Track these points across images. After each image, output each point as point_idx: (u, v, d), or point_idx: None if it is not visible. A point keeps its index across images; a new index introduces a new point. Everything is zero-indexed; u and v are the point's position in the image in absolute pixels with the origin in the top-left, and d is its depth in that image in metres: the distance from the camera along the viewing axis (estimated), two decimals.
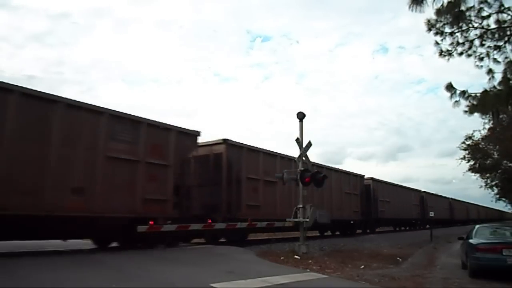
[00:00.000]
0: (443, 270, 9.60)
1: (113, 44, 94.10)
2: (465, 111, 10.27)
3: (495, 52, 9.53)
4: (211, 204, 12.17)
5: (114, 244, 10.91)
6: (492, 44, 9.48)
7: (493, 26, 9.16)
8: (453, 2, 8.67)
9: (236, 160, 13.07)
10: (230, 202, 12.78)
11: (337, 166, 20.04)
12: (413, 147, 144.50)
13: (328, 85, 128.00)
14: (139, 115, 10.21)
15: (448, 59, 9.84)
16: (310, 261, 9.62)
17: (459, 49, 9.70)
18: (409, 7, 8.17)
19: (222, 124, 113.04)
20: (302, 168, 11.67)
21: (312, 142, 12.00)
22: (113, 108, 9.68)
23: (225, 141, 12.85)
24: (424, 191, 33.39)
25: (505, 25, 9.04)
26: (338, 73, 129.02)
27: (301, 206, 11.40)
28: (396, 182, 28.10)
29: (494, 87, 9.81)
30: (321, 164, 18.22)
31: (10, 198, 7.49)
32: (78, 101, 9.00)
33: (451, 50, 9.76)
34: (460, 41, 9.60)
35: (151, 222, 10.11)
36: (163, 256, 9.24)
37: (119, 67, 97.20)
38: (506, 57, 9.44)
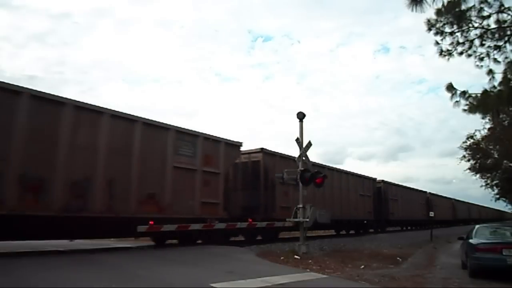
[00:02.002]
0: (443, 270, 9.59)
1: (114, 44, 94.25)
2: (464, 110, 10.28)
3: (495, 52, 9.54)
4: (251, 206, 13.72)
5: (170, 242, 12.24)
6: (492, 44, 9.49)
7: (493, 26, 9.17)
8: (453, 1, 8.67)
9: (271, 167, 14.50)
10: (266, 204, 14.40)
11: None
12: (413, 147, 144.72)
13: (329, 85, 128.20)
14: (197, 130, 11.94)
15: (448, 59, 9.85)
16: (310, 261, 9.62)
17: (459, 49, 9.71)
18: (409, 7, 8.17)
19: (222, 124, 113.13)
20: (302, 168, 11.67)
21: (312, 142, 12.04)
22: (177, 125, 11.37)
23: (262, 149, 14.45)
24: (430, 192, 34.44)
25: (505, 25, 9.04)
26: (339, 73, 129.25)
27: (301, 206, 11.40)
28: (405, 184, 29.71)
29: (494, 87, 9.81)
30: (339, 169, 20.09)
31: (112, 203, 9.33)
32: (151, 120, 10.64)
33: (451, 50, 9.77)
34: (460, 41, 9.61)
35: (151, 222, 10.15)
36: (163, 256, 9.24)
37: (120, 67, 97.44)
38: (506, 57, 9.45)
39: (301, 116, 11.93)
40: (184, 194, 11.21)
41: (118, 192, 9.51)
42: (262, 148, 14.42)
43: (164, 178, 10.68)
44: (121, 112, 9.89)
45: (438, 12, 9.13)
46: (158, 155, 10.59)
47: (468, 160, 29.00)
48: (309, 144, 11.98)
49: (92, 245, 11.13)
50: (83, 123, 9.02)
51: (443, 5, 8.68)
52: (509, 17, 8.93)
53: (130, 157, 9.91)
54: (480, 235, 9.20)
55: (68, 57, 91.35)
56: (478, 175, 30.47)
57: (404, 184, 29.90)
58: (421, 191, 32.88)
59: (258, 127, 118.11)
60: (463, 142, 28.64)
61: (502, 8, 8.83)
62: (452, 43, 9.68)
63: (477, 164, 28.66)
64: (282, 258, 9.96)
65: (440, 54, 9.88)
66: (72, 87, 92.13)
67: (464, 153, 28.85)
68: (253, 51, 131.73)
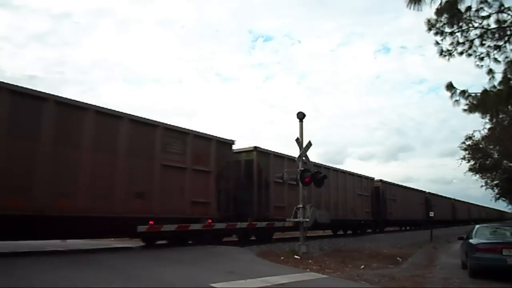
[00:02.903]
0: (443, 270, 9.59)
1: (114, 44, 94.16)
2: (464, 110, 10.28)
3: (495, 51, 9.54)
4: (244, 205, 13.41)
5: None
6: (492, 44, 9.49)
7: (493, 26, 9.17)
8: (451, 1, 8.66)
9: (265, 166, 14.26)
10: (260, 204, 14.03)
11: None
12: (414, 147, 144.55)
13: (330, 85, 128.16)
14: (186, 127, 11.59)
15: (449, 59, 9.85)
16: (310, 261, 9.62)
17: (459, 48, 9.71)
18: (407, 5, 8.17)
19: (223, 124, 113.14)
20: (302, 168, 11.67)
21: (312, 142, 12.03)
22: (165, 122, 11.04)
23: (256, 148, 14.07)
24: (429, 192, 34.10)
25: (505, 25, 9.04)
26: (340, 73, 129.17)
27: (301, 206, 11.40)
28: (403, 184, 29.33)
29: (494, 86, 9.81)
30: (335, 168, 19.71)
31: (92, 202, 8.92)
32: (137, 116, 10.30)
33: (451, 50, 9.77)
34: (460, 40, 9.61)
35: (151, 222, 10.14)
36: (163, 256, 9.23)
37: (121, 67, 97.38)
38: (506, 57, 9.45)
39: (301, 116, 11.93)
40: (173, 193, 10.89)
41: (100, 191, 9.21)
42: (255, 147, 14.12)
43: (153, 177, 10.38)
44: (107, 109, 9.62)
45: (438, 12, 9.13)
46: (145, 153, 10.30)
47: (468, 161, 29.02)
48: (309, 144, 11.98)
49: (92, 245, 11.13)
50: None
51: (441, 4, 8.67)
52: (509, 17, 8.93)
53: (116, 154, 9.60)
54: (480, 235, 9.19)
55: (69, 57, 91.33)
56: (478, 175, 30.52)
57: (403, 184, 29.73)
58: (420, 190, 32.58)
59: (258, 127, 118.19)
60: (462, 143, 28.68)
61: (502, 8, 8.84)
62: (452, 43, 9.68)
63: (477, 164, 28.66)
64: (282, 258, 9.96)
65: (441, 54, 9.88)
66: (73, 87, 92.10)
67: (464, 153, 28.89)
68: (253, 51, 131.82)
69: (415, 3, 8.10)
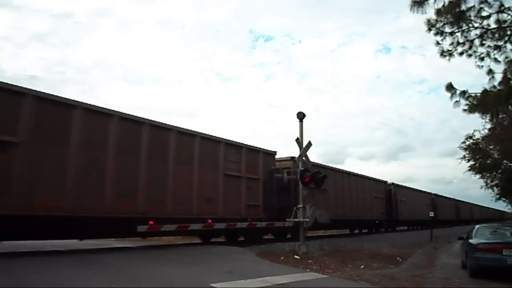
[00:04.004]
0: (443, 270, 9.60)
1: (115, 44, 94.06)
2: (464, 109, 10.28)
3: (495, 52, 9.55)
4: (283, 208, 14.42)
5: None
6: (492, 44, 9.50)
7: (493, 26, 9.18)
8: (454, 2, 8.67)
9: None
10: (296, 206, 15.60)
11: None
12: (414, 147, 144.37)
13: (330, 85, 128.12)
14: (241, 141, 13.72)
15: (449, 59, 9.86)
16: (310, 261, 9.62)
17: (460, 49, 9.72)
18: (411, 9, 8.17)
19: (223, 124, 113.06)
20: (302, 168, 11.68)
21: (313, 142, 12.10)
22: (227, 138, 13.22)
23: (292, 158, 15.55)
24: (435, 194, 35.59)
25: (505, 25, 9.04)
26: (340, 73, 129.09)
27: (301, 206, 11.40)
28: (411, 186, 31.32)
29: (494, 86, 9.81)
30: (355, 173, 21.92)
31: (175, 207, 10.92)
32: (207, 134, 12.35)
33: (451, 50, 9.78)
34: (461, 41, 9.62)
35: (151, 222, 10.16)
36: (163, 256, 9.24)
37: (121, 67, 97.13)
38: (506, 57, 9.45)
39: (301, 116, 11.93)
40: (232, 198, 13.00)
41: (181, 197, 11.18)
42: (292, 157, 15.70)
43: (217, 184, 12.45)
44: (186, 129, 11.75)
45: (438, 12, 9.13)
46: (212, 164, 12.33)
47: (468, 161, 29.03)
48: (309, 144, 11.99)
49: (92, 245, 11.13)
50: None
51: (443, 5, 8.68)
52: (509, 17, 8.94)
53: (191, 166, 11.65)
54: (480, 235, 9.19)
55: (69, 57, 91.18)
56: (478, 176, 30.53)
57: (412, 186, 31.47)
58: (426, 192, 34.23)
59: (258, 127, 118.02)
60: (462, 142, 28.70)
61: (502, 8, 8.84)
62: (452, 43, 9.70)
63: (477, 164, 28.66)
64: (282, 258, 9.96)
65: (441, 54, 9.89)
66: (73, 87, 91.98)
67: (464, 153, 28.91)
68: (254, 51, 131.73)
69: (418, 5, 8.10)
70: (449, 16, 9.08)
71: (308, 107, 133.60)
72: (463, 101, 10.07)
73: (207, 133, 12.40)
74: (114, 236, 12.68)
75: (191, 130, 11.84)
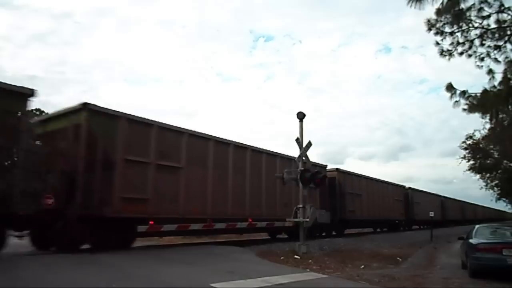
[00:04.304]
0: (443, 270, 9.60)
1: (115, 44, 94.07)
2: (464, 109, 10.27)
3: (495, 51, 9.53)
4: (331, 208, 17.00)
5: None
6: (492, 43, 9.48)
7: (493, 26, 9.17)
8: (453, 0, 8.65)
9: (342, 181, 20.51)
10: (340, 208, 19.72)
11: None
12: (414, 147, 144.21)
13: (330, 85, 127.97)
14: (276, 151, 15.66)
15: (449, 59, 9.85)
16: (310, 261, 9.62)
17: (460, 49, 9.71)
18: (408, 3, 8.13)
19: (223, 124, 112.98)
20: (302, 168, 11.67)
21: (313, 142, 12.14)
22: (269, 149, 15.38)
23: (337, 169, 20.48)
24: (443, 196, 38.85)
25: (505, 24, 9.03)
26: (341, 73, 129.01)
27: (301, 206, 11.40)
28: (424, 189, 34.53)
29: (494, 86, 9.80)
30: (378, 179, 25.17)
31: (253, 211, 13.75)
32: (259, 148, 14.81)
33: (451, 50, 9.77)
34: (460, 41, 9.60)
35: (151, 222, 10.18)
36: (163, 256, 9.24)
37: (121, 67, 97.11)
38: (506, 57, 9.44)
39: (301, 116, 11.93)
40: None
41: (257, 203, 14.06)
42: (337, 168, 20.45)
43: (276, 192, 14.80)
44: (257, 147, 14.53)
45: (438, 12, 9.12)
46: (271, 175, 14.03)
47: (468, 160, 29.02)
48: (309, 144, 11.98)
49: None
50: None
51: (442, 3, 8.66)
52: (509, 17, 8.93)
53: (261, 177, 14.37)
54: (480, 235, 9.19)
55: (69, 57, 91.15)
56: (478, 176, 30.54)
57: (425, 190, 34.71)
58: (436, 195, 37.35)
59: (258, 127, 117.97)
60: (462, 142, 28.69)
61: (502, 8, 8.83)
62: (452, 43, 9.68)
63: (477, 165, 28.65)
64: (282, 258, 9.96)
65: (441, 54, 9.88)
66: (73, 87, 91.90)
67: (464, 153, 28.90)
68: (254, 51, 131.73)
69: (416, 1, 8.07)
70: (448, 15, 9.06)
71: (308, 107, 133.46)
72: (463, 101, 10.06)
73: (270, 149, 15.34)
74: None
75: (260, 148, 14.75)
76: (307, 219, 11.27)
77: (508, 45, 9.29)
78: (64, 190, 8.99)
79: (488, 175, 30.12)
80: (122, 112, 9.90)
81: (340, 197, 20.03)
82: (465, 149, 28.64)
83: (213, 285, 5.93)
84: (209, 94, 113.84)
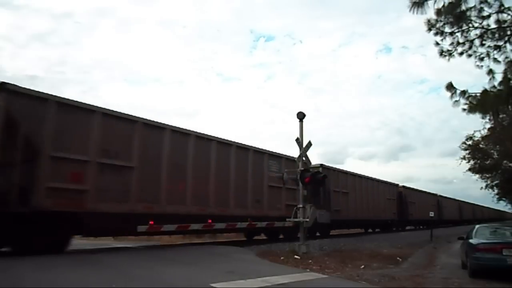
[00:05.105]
0: (443, 270, 9.59)
1: (115, 44, 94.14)
2: (464, 109, 10.28)
3: (495, 52, 9.53)
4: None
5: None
6: (492, 44, 9.48)
7: (493, 26, 9.17)
8: (454, 2, 8.66)
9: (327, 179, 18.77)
10: (325, 206, 17.83)
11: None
12: (415, 147, 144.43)
13: (331, 85, 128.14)
14: (280, 152, 15.83)
15: (449, 59, 9.85)
16: (310, 261, 9.61)
17: (459, 49, 9.71)
18: (410, 9, 8.15)
19: (224, 124, 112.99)
20: (302, 168, 11.67)
21: (313, 142, 12.06)
22: (270, 150, 15.33)
23: (321, 165, 18.49)
24: (440, 195, 37.54)
25: (505, 25, 9.03)
26: (341, 73, 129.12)
27: (301, 206, 11.40)
28: (419, 188, 33.38)
29: (494, 86, 9.81)
30: (372, 177, 23.92)
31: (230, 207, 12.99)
32: (260, 148, 14.83)
33: (451, 50, 9.77)
34: (460, 41, 9.60)
35: (151, 222, 10.16)
36: (163, 256, 9.23)
37: (122, 67, 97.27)
38: (506, 57, 9.44)
39: (301, 116, 11.93)
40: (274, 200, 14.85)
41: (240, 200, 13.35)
42: (321, 164, 18.70)
43: (263, 189, 14.48)
44: (224, 139, 13.24)
45: (438, 12, 9.12)
46: (257, 173, 14.23)
47: (468, 161, 29.03)
48: (309, 144, 11.98)
49: (92, 245, 11.13)
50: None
51: (443, 5, 8.67)
52: (509, 17, 8.93)
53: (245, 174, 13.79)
54: (480, 235, 9.19)
55: (70, 57, 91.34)
56: (478, 176, 30.54)
57: (419, 188, 33.38)
58: (432, 194, 35.88)
59: (258, 127, 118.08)
60: (462, 143, 28.69)
61: (502, 8, 8.83)
62: (452, 43, 9.68)
63: (477, 165, 28.66)
64: (282, 258, 9.96)
65: (441, 54, 9.88)
66: (73, 87, 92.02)
67: (464, 153, 28.91)
68: (255, 51, 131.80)
69: (418, 6, 8.08)
70: (449, 16, 9.07)
71: (308, 107, 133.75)
72: (463, 101, 10.07)
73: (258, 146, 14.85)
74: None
75: (245, 145, 14.12)
76: (307, 219, 11.27)
77: (508, 45, 9.29)
78: None
79: (488, 175, 30.12)
80: (50, 95, 8.47)
81: (324, 195, 18.58)
82: (465, 149, 28.66)
83: (213, 285, 5.93)
84: (209, 94, 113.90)
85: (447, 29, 9.50)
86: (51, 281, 5.70)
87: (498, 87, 9.71)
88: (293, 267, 8.64)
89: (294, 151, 13.43)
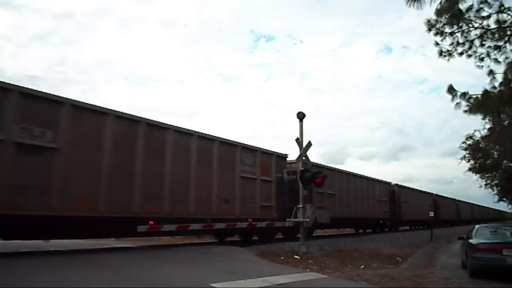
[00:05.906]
0: (443, 270, 9.60)
1: (116, 43, 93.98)
2: (465, 111, 10.28)
3: (495, 52, 9.54)
4: (293, 207, 14.88)
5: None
6: (492, 44, 9.49)
7: (493, 26, 9.17)
8: (451, 0, 8.64)
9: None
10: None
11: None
12: (415, 147, 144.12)
13: (331, 85, 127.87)
14: (256, 145, 14.27)
15: (448, 59, 9.86)
16: (310, 261, 9.62)
17: (459, 49, 9.71)
18: (407, 3, 8.12)
19: (224, 124, 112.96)
20: (302, 168, 11.68)
21: (313, 142, 12.06)
22: (242, 142, 13.69)
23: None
24: (436, 194, 36.32)
25: (505, 25, 9.03)
26: (341, 73, 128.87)
27: (301, 206, 11.40)
28: (413, 186, 31.80)
29: (495, 87, 9.81)
30: (360, 174, 22.62)
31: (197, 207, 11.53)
32: (225, 138, 12.97)
33: (451, 50, 9.77)
34: (460, 41, 9.60)
35: (151, 222, 10.15)
36: (163, 256, 9.24)
37: (122, 67, 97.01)
38: (506, 57, 9.45)
39: (301, 116, 11.94)
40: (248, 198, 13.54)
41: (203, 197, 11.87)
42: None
43: (234, 186, 12.96)
44: (204, 133, 12.15)
45: (438, 13, 9.12)
46: (230, 167, 12.88)
47: (468, 161, 29.05)
48: (309, 144, 11.99)
49: (92, 245, 11.14)
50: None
51: (440, 3, 8.65)
52: (509, 17, 8.93)
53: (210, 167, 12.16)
54: (480, 235, 9.19)
55: (70, 57, 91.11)
56: (478, 176, 30.54)
57: (414, 187, 31.89)
58: (428, 193, 34.63)
59: (259, 127, 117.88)
60: (463, 143, 28.71)
61: (502, 8, 8.83)
62: (452, 43, 9.68)
63: (477, 165, 28.67)
64: (282, 258, 9.97)
65: (440, 54, 9.88)
66: (74, 87, 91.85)
67: (464, 153, 28.93)
68: (255, 51, 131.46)
69: (415, 1, 8.07)
70: (447, 15, 9.05)
71: (308, 107, 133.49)
72: (464, 103, 10.08)
73: (225, 137, 13.10)
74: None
75: (210, 135, 12.45)
76: (307, 219, 11.28)
77: (508, 46, 9.30)
78: None
79: (488, 175, 30.13)
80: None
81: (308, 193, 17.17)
82: (465, 149, 28.68)
83: (213, 285, 5.93)
84: (210, 94, 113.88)
85: (447, 29, 9.50)
86: (52, 281, 5.71)
87: (499, 88, 9.72)
88: (293, 267, 8.64)
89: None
